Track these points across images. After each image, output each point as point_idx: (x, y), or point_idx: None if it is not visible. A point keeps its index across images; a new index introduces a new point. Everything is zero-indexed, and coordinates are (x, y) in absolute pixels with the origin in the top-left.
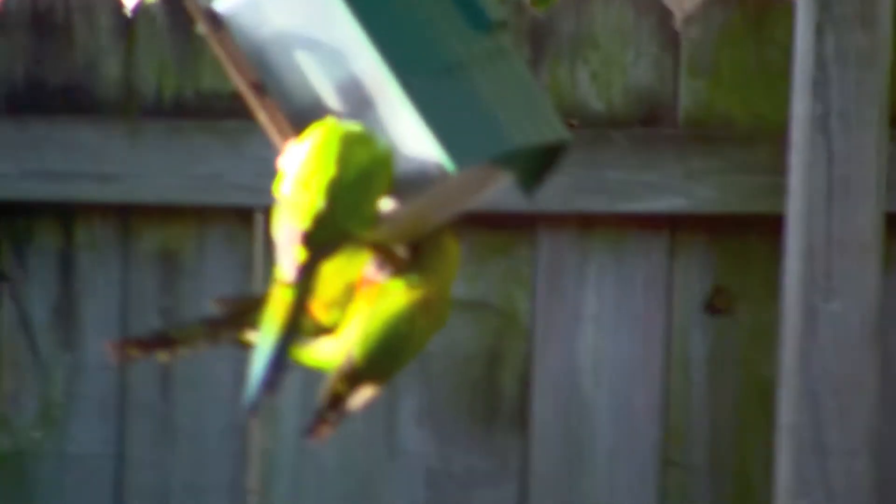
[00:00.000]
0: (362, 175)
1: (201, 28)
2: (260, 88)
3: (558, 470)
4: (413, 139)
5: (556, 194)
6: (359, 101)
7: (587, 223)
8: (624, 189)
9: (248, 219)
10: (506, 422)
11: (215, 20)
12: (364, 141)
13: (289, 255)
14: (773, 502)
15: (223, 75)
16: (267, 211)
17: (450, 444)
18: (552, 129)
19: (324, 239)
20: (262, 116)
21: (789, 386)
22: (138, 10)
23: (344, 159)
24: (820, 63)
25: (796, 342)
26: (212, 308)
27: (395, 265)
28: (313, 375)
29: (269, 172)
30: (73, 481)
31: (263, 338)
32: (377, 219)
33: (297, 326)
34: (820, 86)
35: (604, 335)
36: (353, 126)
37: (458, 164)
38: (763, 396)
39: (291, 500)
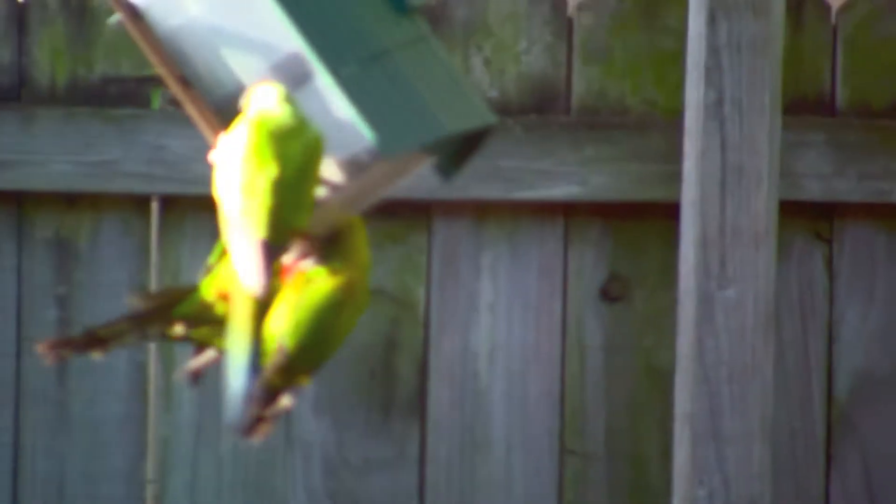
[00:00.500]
0: (300, 169)
1: (115, 18)
2: (184, 80)
3: (456, 458)
4: (346, 124)
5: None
6: (295, 79)
7: (482, 211)
8: (519, 177)
9: (143, 206)
10: (403, 410)
11: (133, 10)
12: (295, 132)
13: (254, 267)
14: (671, 489)
15: (116, 62)
16: (161, 198)
17: (347, 432)
18: (479, 113)
19: (280, 242)
20: (190, 108)
21: (685, 373)
22: None
23: (282, 156)
24: (712, 50)
25: (692, 329)
26: (133, 303)
27: (315, 252)
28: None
29: (164, 160)
30: None
31: (233, 351)
32: (314, 206)
33: (262, 333)
34: (713, 73)
35: (499, 323)
36: (279, 115)
37: (392, 151)
38: (659, 384)
39: (189, 489)
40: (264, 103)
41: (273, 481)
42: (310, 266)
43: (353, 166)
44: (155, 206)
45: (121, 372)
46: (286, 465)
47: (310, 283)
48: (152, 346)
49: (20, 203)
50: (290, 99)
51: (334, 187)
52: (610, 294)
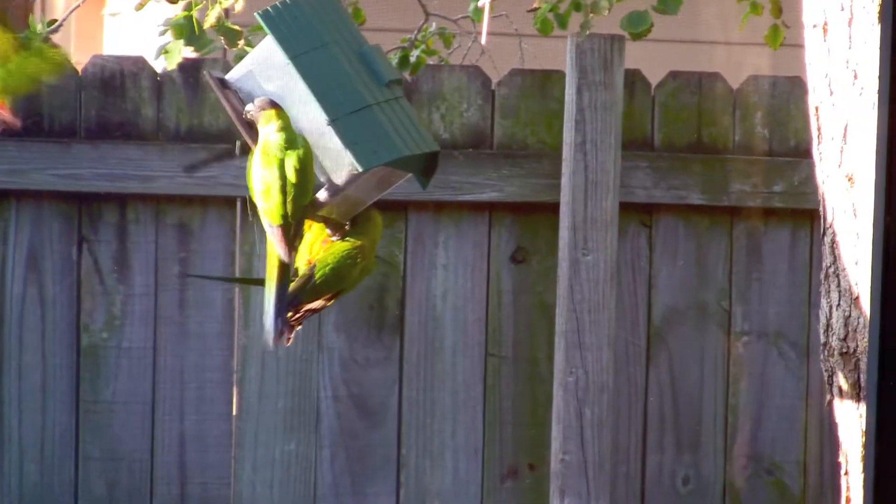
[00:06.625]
0: (299, 172)
1: (213, 89)
2: (250, 125)
3: (422, 358)
4: (341, 151)
5: (420, 189)
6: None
7: (439, 207)
8: (461, 186)
9: (232, 204)
10: (390, 329)
11: (224, 84)
12: (294, 149)
13: (279, 243)
14: (553, 378)
15: (216, 116)
16: (243, 200)
17: (355, 342)
18: (427, 144)
19: (293, 222)
20: (250, 141)
21: (562, 307)
22: (164, 75)
23: (288, 167)
24: (580, 109)
25: (566, 280)
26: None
27: (341, 232)
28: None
29: (244, 176)
30: (127, 365)
31: (268, 292)
32: (315, 191)
33: (287, 281)
34: (580, 124)
35: (450, 276)
36: (281, 139)
37: (365, 167)
38: (547, 313)
39: (259, 377)
40: (270, 130)
41: (310, 371)
42: (336, 238)
43: (350, 176)
44: (238, 203)
45: (218, 304)
46: (318, 362)
47: (335, 244)
48: (237, 288)
49: (158, 202)
50: (285, 126)
51: (337, 189)
52: (516, 259)
